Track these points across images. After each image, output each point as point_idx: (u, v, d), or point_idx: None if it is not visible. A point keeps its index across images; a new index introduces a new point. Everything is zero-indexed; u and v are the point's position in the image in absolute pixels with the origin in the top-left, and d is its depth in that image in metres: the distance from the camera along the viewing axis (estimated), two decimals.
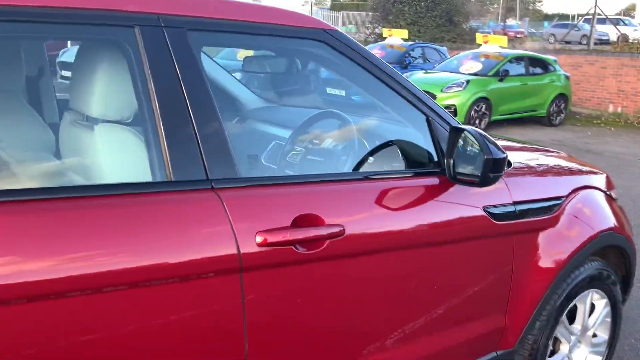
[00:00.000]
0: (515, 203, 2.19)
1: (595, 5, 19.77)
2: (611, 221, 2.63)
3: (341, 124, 2.35)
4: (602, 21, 34.18)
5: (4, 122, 1.92)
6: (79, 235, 1.29)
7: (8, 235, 1.22)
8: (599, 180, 2.75)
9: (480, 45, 12.93)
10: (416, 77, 11.78)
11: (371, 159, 2.09)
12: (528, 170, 2.45)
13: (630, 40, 18.71)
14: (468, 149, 1.89)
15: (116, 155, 1.58)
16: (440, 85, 10.90)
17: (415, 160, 2.09)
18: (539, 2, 72.84)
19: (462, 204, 2.02)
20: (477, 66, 11.65)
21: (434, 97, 10.25)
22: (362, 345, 1.84)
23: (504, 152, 1.86)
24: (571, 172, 2.68)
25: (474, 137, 1.86)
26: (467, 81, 10.94)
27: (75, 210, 1.30)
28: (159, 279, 1.37)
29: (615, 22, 30.00)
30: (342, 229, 1.66)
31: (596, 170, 2.85)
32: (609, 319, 2.76)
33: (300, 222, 1.60)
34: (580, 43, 29.66)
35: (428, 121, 2.02)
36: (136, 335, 1.37)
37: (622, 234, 2.68)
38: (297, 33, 1.80)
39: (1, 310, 1.19)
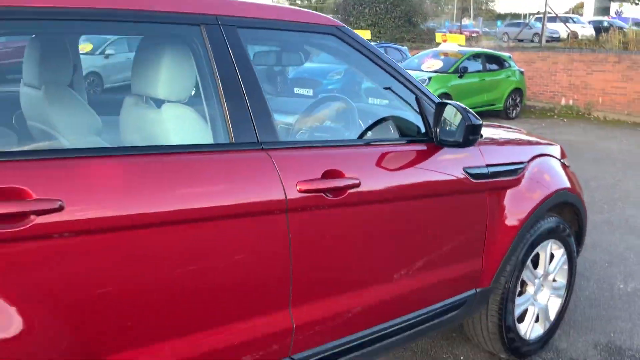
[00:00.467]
0: (488, 166, 2.70)
1: (546, 5, 20.76)
2: (565, 182, 3.16)
3: (342, 105, 2.82)
4: (553, 19, 35.54)
5: (70, 111, 2.31)
6: (176, 179, 1.72)
7: (126, 179, 1.64)
8: (554, 150, 3.29)
9: (439, 44, 13.61)
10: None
11: (369, 132, 2.56)
12: (497, 141, 2.96)
13: (579, 37, 19.70)
14: (451, 119, 2.38)
15: (182, 126, 2.00)
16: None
17: (406, 131, 2.56)
18: (492, 2, 74.81)
19: (446, 165, 2.51)
20: (437, 64, 12.29)
21: None
22: (370, 276, 2.31)
23: (479, 120, 2.35)
24: (531, 143, 3.21)
25: (456, 108, 2.35)
26: (429, 78, 11.55)
27: (174, 163, 1.74)
28: (229, 215, 1.81)
29: (565, 20, 31.26)
30: (358, 181, 2.13)
31: (552, 143, 3.39)
32: (566, 267, 3.29)
33: (328, 175, 2.06)
34: (532, 41, 30.81)
35: (417, 99, 2.50)
36: (218, 255, 1.81)
37: (574, 193, 3.22)
38: (316, 29, 2.27)
39: (122, 233, 1.62)
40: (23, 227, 1.45)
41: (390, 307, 2.38)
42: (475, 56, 12.97)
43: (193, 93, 2.07)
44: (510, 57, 13.77)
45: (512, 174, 2.85)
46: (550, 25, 32.47)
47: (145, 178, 1.67)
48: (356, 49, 2.37)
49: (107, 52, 14.77)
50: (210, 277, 1.81)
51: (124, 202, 1.61)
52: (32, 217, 1.46)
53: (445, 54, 12.65)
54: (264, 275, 1.93)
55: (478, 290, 2.79)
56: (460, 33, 19.68)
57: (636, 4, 15.12)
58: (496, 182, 2.75)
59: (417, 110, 2.50)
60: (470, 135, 2.34)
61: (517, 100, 13.36)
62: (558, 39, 30.83)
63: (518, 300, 3.03)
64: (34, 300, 1.47)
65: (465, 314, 2.79)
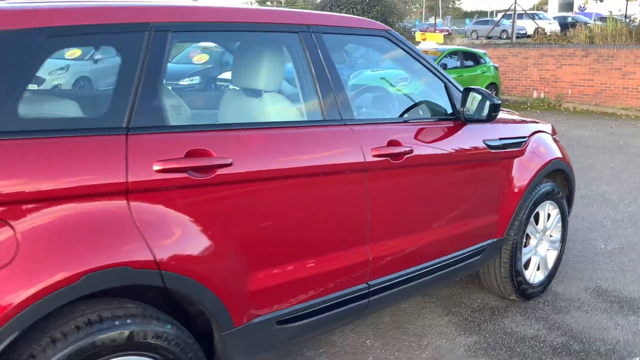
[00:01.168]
0: (500, 139, 3.37)
1: (515, 3, 21.70)
2: (557, 153, 3.86)
3: (384, 93, 3.47)
4: (520, 16, 36.67)
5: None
6: (298, 145, 2.35)
7: (268, 144, 2.27)
8: (547, 128, 3.98)
9: (419, 42, 14.35)
10: (366, 75, 13.03)
11: (409, 113, 3.21)
12: (505, 120, 3.62)
13: (547, 33, 20.67)
14: (475, 101, 3.04)
15: (280, 109, 2.61)
16: (389, 80, 12.17)
17: (437, 112, 3.21)
18: (458, 0, 76.38)
19: (470, 137, 3.17)
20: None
21: None
22: (420, 224, 2.95)
23: (499, 100, 3.02)
24: (529, 122, 3.89)
25: (480, 92, 3.02)
26: None
27: (294, 133, 2.38)
28: (330, 172, 2.45)
29: (532, 17, 32.43)
30: (411, 149, 2.77)
31: (544, 122, 4.08)
32: (560, 224, 3.99)
33: (390, 144, 2.70)
34: (500, 37, 31.87)
35: (445, 86, 3.16)
36: (323, 199, 2.43)
37: (565, 162, 3.92)
38: (373, 32, 2.91)
39: (267, 182, 2.24)
40: (210, 176, 2.06)
41: (434, 249, 3.04)
42: (453, 53, 13.75)
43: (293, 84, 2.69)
44: (485, 53, 14.58)
45: (518, 146, 3.52)
46: (518, 22, 33.62)
47: (280, 143, 2.31)
48: (400, 47, 3.02)
49: (96, 57, 15.17)
50: (317, 215, 2.44)
51: (268, 160, 2.24)
52: (215, 169, 2.08)
53: (426, 52, 13.38)
54: (352, 217, 2.57)
55: (494, 240, 3.46)
56: (435, 32, 20.49)
57: (601, 1, 16.04)
58: (507, 152, 3.42)
59: (446, 95, 3.16)
60: (492, 112, 3.01)
61: (493, 94, 14.19)
62: (526, 35, 31.98)
63: (524, 250, 3.71)
64: (216, 220, 2.10)
65: (485, 259, 3.46)
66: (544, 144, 3.79)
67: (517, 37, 27.18)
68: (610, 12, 17.50)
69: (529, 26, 33.68)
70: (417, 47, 14.14)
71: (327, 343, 3.31)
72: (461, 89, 3.18)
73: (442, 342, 3.35)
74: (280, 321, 2.38)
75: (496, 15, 48.95)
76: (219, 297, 2.11)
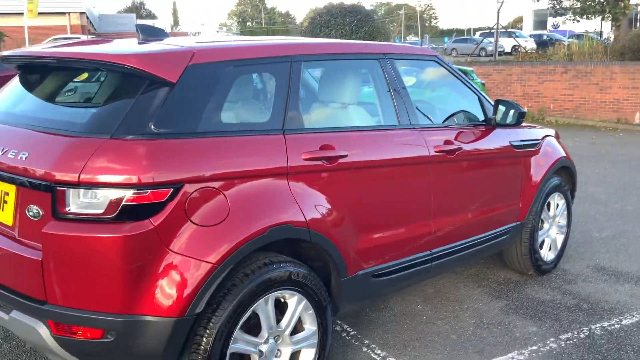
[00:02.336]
0: (521, 140, 4.19)
1: (498, 22, 22.90)
2: (563, 153, 4.70)
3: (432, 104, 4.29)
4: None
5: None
6: (386, 142, 3.15)
7: (368, 141, 3.05)
8: (553, 132, 4.82)
9: None
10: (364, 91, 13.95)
11: (451, 120, 4.02)
12: (522, 126, 4.45)
13: (527, 50, 21.83)
14: (505, 110, 3.87)
15: (361, 116, 3.39)
16: None
17: (472, 119, 4.02)
18: (435, 19, 78.47)
19: (500, 139, 3.99)
20: (412, 80, 13.90)
21: None
22: (466, 205, 3.74)
23: (524, 109, 3.85)
24: (539, 128, 4.73)
25: (509, 103, 3.84)
26: None
27: (381, 134, 3.18)
28: (407, 163, 3.24)
29: (510, 35, 33.87)
30: (460, 146, 3.58)
31: (550, 128, 4.93)
32: (565, 212, 4.82)
33: (446, 143, 3.50)
34: (478, 55, 33.18)
35: (479, 99, 3.97)
36: (404, 184, 3.23)
37: (569, 160, 4.76)
38: (427, 58, 3.73)
39: (370, 169, 3.02)
40: (335, 164, 2.85)
41: (476, 226, 3.84)
42: None
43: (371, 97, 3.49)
44: (472, 70, 15.53)
45: (534, 147, 4.35)
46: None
47: (374, 141, 3.10)
48: (445, 68, 3.84)
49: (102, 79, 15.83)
50: (399, 194, 3.23)
51: (369, 153, 3.03)
52: (337, 159, 2.86)
53: None
54: (421, 197, 3.37)
55: (518, 223, 4.27)
56: None
57: (577, 21, 17.21)
58: (526, 152, 4.25)
59: (479, 105, 3.98)
60: (520, 118, 3.84)
61: None
62: (504, 52, 33.34)
63: (539, 232, 4.52)
64: (338, 195, 2.88)
65: (511, 239, 4.26)
66: (553, 145, 4.63)
67: (502, 54, 28.44)
68: (587, 30, 18.65)
69: (506, 44, 35.10)
70: None
71: (386, 308, 4.06)
72: (491, 101, 4.01)
73: (479, 305, 4.13)
74: (375, 275, 3.16)
75: (474, 33, 50.50)
76: (340, 251, 2.88)
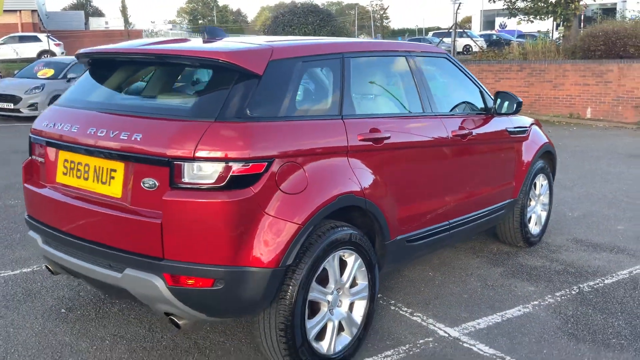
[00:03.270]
0: (515, 127, 4.82)
1: (455, 23, 23.82)
2: (546, 139, 5.36)
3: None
4: (448, 34, 39.20)
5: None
6: (417, 127, 3.69)
7: (404, 126, 3.59)
8: (535, 122, 5.48)
9: None
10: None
11: (456, 109, 4.59)
12: (514, 115, 5.08)
13: (482, 49, 22.80)
14: (504, 100, 4.47)
15: (402, 106, 3.91)
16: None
17: (474, 108, 4.61)
18: (387, 19, 79.79)
19: (498, 125, 4.60)
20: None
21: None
22: (472, 183, 4.32)
23: (521, 99, 4.46)
24: (525, 117, 5.37)
25: (508, 94, 4.45)
26: None
27: (413, 120, 3.72)
28: (433, 145, 3.80)
29: (461, 35, 35.02)
30: (470, 131, 4.16)
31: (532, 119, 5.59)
32: (548, 192, 5.48)
33: (460, 128, 4.07)
34: None
35: (480, 91, 4.57)
36: (428, 162, 3.78)
37: (551, 145, 5.43)
38: (439, 55, 4.30)
39: (408, 150, 3.56)
40: (381, 145, 3.37)
41: (481, 202, 4.43)
42: None
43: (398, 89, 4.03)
44: None
45: (524, 133, 4.99)
46: (448, 40, 36.19)
47: (408, 125, 3.64)
48: (453, 63, 4.42)
49: (69, 76, 15.86)
50: (427, 171, 3.79)
51: (405, 136, 3.57)
52: (383, 140, 3.38)
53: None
54: (442, 174, 3.93)
55: (511, 199, 4.89)
56: None
57: (531, 21, 18.20)
58: (518, 137, 4.88)
59: (480, 96, 4.57)
60: (518, 108, 4.45)
61: None
62: (456, 52, 34.46)
63: (528, 209, 5.17)
64: (383, 171, 3.40)
65: (505, 214, 4.88)
66: (538, 132, 5.28)
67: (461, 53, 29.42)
68: (539, 30, 19.61)
69: (459, 43, 36.28)
70: None
71: (401, 275, 4.61)
72: (490, 93, 4.62)
73: (481, 271, 4.73)
74: (408, 240, 3.70)
75: (425, 33, 51.73)
76: (385, 218, 3.41)
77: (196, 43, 3.32)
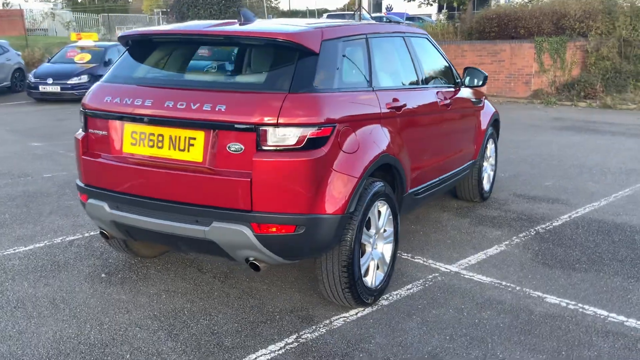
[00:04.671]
0: (476, 99, 5.65)
1: (360, 5, 24.73)
2: (494, 109, 6.26)
3: None
4: (342, 16, 40.46)
5: None
6: (421, 97, 4.38)
7: (418, 96, 4.26)
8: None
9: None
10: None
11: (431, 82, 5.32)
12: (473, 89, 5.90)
13: None
14: (472, 74, 5.26)
15: (405, 79, 4.55)
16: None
17: (447, 82, 5.36)
18: (277, 0, 79.96)
19: (465, 96, 5.39)
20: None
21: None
22: (449, 145, 5.09)
23: (487, 74, 5.27)
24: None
25: (476, 69, 5.24)
26: None
27: (419, 91, 4.40)
28: (432, 111, 4.52)
29: (352, 17, 36.24)
30: (450, 102, 4.91)
31: None
32: (494, 154, 6.40)
33: (445, 98, 4.81)
34: None
35: (450, 67, 5.33)
36: (433, 125, 4.50)
37: (497, 113, 6.34)
38: (421, 35, 4.99)
39: (413, 117, 4.23)
40: (400, 112, 4.02)
41: (458, 161, 5.22)
42: None
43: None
44: None
45: (480, 103, 5.84)
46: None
47: (416, 95, 4.32)
48: (431, 43, 5.14)
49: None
50: (427, 135, 4.49)
51: (415, 104, 4.24)
52: (402, 107, 4.03)
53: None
54: (437, 138, 4.65)
55: (473, 160, 5.73)
56: None
57: (430, 4, 19.41)
58: (478, 107, 5.72)
59: (451, 72, 5.34)
60: (485, 81, 5.25)
61: None
62: None
63: (483, 168, 6.05)
64: (403, 133, 4.05)
65: (469, 173, 5.72)
66: (489, 104, 6.17)
67: None
68: (439, 13, 20.85)
69: None
70: None
71: None
72: (455, 69, 5.39)
73: (453, 222, 5.54)
74: (416, 194, 4.39)
75: (318, 15, 52.65)
76: (405, 174, 4.07)
77: (257, 26, 3.76)
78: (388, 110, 3.92)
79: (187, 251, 3.67)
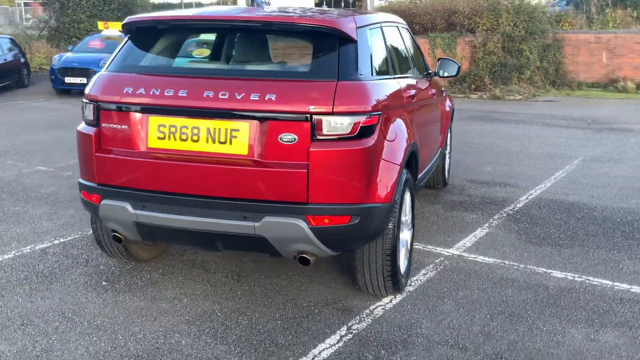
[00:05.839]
0: (443, 89, 5.86)
1: None
2: (450, 101, 6.53)
3: None
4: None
5: None
6: (415, 87, 4.45)
7: (409, 86, 4.32)
8: None
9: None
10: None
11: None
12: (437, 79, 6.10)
13: None
14: (445, 64, 5.44)
15: (404, 68, 4.59)
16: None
17: (427, 71, 5.49)
18: None
19: (437, 85, 5.58)
20: (206, 51, 14.88)
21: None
22: (430, 141, 5.24)
23: (460, 65, 5.48)
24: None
25: (450, 60, 5.43)
26: None
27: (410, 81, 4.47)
28: (427, 100, 4.61)
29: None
30: (433, 91, 5.05)
31: None
32: (450, 143, 6.68)
33: (429, 88, 4.94)
34: None
35: (423, 59, 5.48)
36: (423, 115, 4.59)
37: (453, 102, 6.61)
38: (405, 25, 5.07)
39: (417, 107, 4.30)
40: (413, 100, 4.09)
41: (437, 149, 5.39)
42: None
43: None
44: None
45: (444, 94, 6.06)
46: None
47: (416, 85, 4.39)
48: (410, 34, 5.25)
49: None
50: (426, 123, 4.59)
51: (417, 94, 4.32)
52: (413, 97, 4.10)
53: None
54: (428, 124, 4.77)
55: (441, 149, 5.94)
56: None
57: None
58: (444, 97, 5.94)
59: (424, 63, 5.49)
60: (458, 71, 5.45)
61: None
62: None
63: (446, 156, 6.29)
64: (414, 120, 4.11)
65: (440, 161, 5.92)
66: (448, 96, 6.42)
67: None
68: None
69: None
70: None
71: None
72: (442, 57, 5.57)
73: (427, 209, 5.71)
74: (419, 181, 4.48)
75: (184, 6, 51.32)
76: (419, 162, 4.14)
77: (292, 12, 3.63)
78: (407, 99, 3.97)
79: (223, 249, 3.48)
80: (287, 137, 3.15)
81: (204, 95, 3.21)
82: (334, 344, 3.24)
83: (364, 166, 3.22)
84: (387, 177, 3.38)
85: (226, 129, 3.22)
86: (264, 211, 3.19)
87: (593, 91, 17.13)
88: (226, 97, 3.18)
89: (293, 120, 3.14)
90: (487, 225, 5.25)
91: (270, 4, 42.76)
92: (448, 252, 4.59)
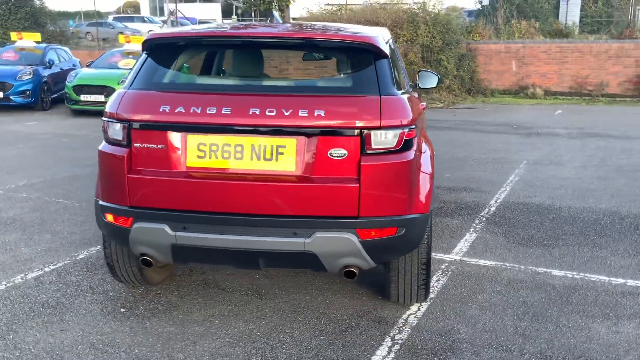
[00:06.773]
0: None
1: (177, 9, 23.87)
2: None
3: None
4: (131, 19, 38.82)
5: None
6: (415, 103, 4.57)
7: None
8: None
9: (123, 44, 15.52)
10: (86, 73, 13.76)
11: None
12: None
13: None
14: (427, 77, 5.63)
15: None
16: (117, 78, 13.21)
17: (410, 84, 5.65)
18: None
19: (417, 96, 5.76)
20: (131, 61, 14.32)
21: (113, 90, 12.79)
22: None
23: (440, 76, 5.68)
24: None
25: (430, 71, 5.62)
26: None
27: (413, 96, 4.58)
28: (422, 111, 4.74)
29: (143, 20, 35.10)
30: (419, 104, 5.23)
31: None
32: None
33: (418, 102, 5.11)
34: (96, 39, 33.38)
35: (405, 74, 5.65)
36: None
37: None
38: (392, 44, 5.17)
39: (422, 119, 4.42)
40: (421, 114, 4.20)
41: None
42: None
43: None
44: None
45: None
46: (134, 25, 35.80)
47: (414, 97, 4.49)
48: (392, 47, 5.39)
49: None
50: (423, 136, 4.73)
51: (420, 107, 4.43)
52: (421, 110, 4.21)
53: (131, 53, 14.75)
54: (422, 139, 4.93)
55: None
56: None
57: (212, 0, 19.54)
58: (424, 106, 6.14)
59: (407, 77, 5.66)
60: (440, 83, 5.65)
61: None
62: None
63: None
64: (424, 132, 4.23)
65: None
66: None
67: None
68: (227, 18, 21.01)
69: (143, 28, 36.22)
70: (123, 49, 15.25)
71: None
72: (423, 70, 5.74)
73: None
74: None
75: (101, 16, 49.49)
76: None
77: (329, 29, 3.62)
78: (419, 112, 4.09)
79: (264, 267, 3.43)
80: (337, 152, 3.16)
81: (250, 113, 3.16)
82: (386, 356, 3.28)
83: (408, 178, 3.30)
84: (424, 187, 3.48)
85: (272, 146, 3.19)
86: (315, 227, 3.19)
87: (506, 98, 18.22)
88: (274, 113, 3.15)
89: (343, 135, 3.16)
90: (473, 229, 5.47)
91: (174, 13, 41.23)
92: (450, 258, 4.75)
